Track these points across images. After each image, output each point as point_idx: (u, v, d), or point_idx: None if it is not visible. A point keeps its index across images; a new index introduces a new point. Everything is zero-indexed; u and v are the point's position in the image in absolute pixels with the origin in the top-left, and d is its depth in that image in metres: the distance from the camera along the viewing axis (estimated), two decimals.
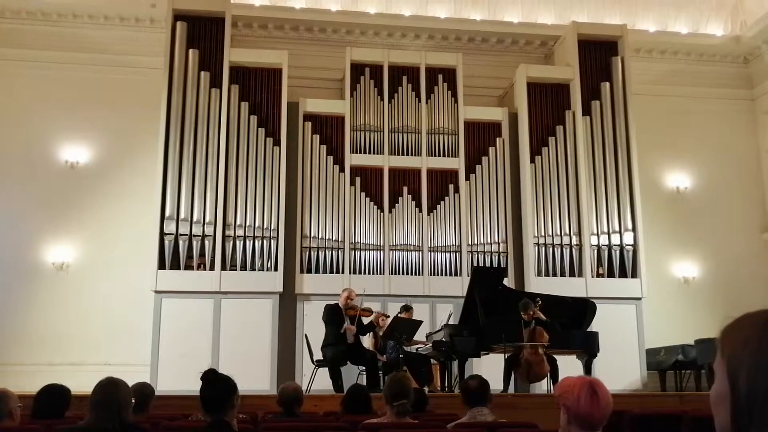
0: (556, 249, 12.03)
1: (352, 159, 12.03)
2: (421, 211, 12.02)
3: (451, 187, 12.19)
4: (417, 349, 9.72)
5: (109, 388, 3.44)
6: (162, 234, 11.08)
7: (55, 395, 4.48)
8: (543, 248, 12.02)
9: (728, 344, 1.14)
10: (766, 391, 1.08)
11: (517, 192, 12.40)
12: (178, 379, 9.57)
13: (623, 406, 5.37)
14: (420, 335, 9.87)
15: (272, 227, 11.42)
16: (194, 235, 11.21)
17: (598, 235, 12.12)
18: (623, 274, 12.05)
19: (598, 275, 12.03)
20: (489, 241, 12.05)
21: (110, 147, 12.47)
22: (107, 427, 3.29)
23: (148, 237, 11.17)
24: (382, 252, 11.74)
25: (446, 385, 9.38)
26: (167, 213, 11.15)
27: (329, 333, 9.15)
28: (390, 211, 11.94)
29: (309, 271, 11.51)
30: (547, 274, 11.91)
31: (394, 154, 12.16)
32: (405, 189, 12.08)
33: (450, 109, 12.43)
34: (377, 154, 12.12)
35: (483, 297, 9.10)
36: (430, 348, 9.41)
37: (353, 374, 9.37)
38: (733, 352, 1.13)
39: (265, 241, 11.37)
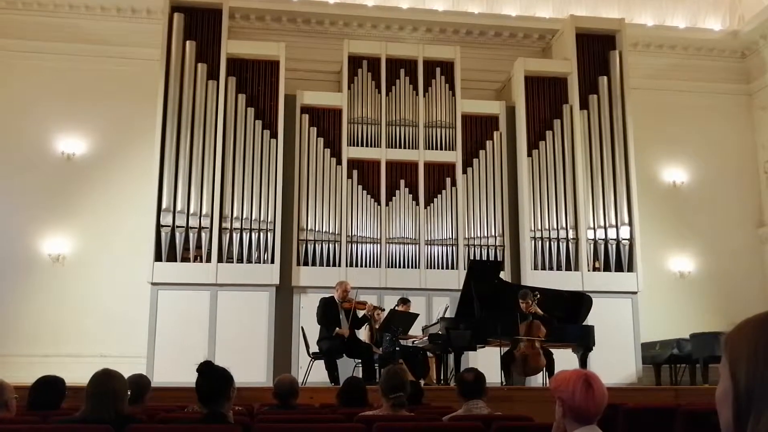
0: (552, 243, 12.03)
1: (349, 152, 12.01)
2: (418, 204, 12.01)
3: (448, 180, 12.18)
4: (413, 342, 9.73)
5: (105, 379, 3.45)
6: (158, 226, 11.06)
7: (50, 387, 4.48)
8: (539, 242, 12.02)
9: (731, 343, 1.20)
10: (763, 380, 1.10)
11: (514, 186, 12.40)
12: (175, 370, 9.57)
13: (618, 399, 5.37)
14: (416, 328, 9.87)
15: (269, 219, 11.41)
16: (191, 227, 11.19)
17: (594, 229, 12.12)
18: (619, 268, 12.06)
19: (595, 269, 12.04)
20: (486, 234, 12.05)
21: (107, 138, 12.43)
22: (103, 418, 3.30)
23: (145, 229, 11.14)
24: (378, 245, 11.73)
25: (442, 378, 9.40)
26: (164, 205, 11.13)
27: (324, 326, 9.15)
28: (387, 204, 11.92)
29: (305, 263, 11.51)
30: (543, 268, 11.92)
31: (392, 147, 12.14)
32: (402, 182, 12.07)
33: (447, 102, 12.41)
34: (374, 146, 12.10)
35: (479, 290, 9.11)
36: (426, 341, 9.43)
37: (349, 367, 9.39)
38: (735, 348, 1.18)
39: (261, 234, 11.36)
